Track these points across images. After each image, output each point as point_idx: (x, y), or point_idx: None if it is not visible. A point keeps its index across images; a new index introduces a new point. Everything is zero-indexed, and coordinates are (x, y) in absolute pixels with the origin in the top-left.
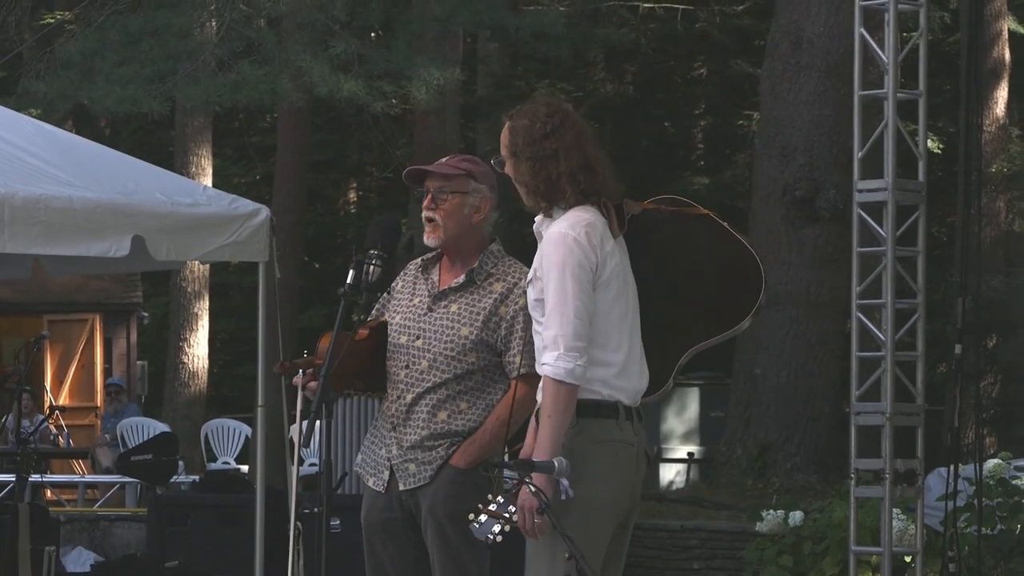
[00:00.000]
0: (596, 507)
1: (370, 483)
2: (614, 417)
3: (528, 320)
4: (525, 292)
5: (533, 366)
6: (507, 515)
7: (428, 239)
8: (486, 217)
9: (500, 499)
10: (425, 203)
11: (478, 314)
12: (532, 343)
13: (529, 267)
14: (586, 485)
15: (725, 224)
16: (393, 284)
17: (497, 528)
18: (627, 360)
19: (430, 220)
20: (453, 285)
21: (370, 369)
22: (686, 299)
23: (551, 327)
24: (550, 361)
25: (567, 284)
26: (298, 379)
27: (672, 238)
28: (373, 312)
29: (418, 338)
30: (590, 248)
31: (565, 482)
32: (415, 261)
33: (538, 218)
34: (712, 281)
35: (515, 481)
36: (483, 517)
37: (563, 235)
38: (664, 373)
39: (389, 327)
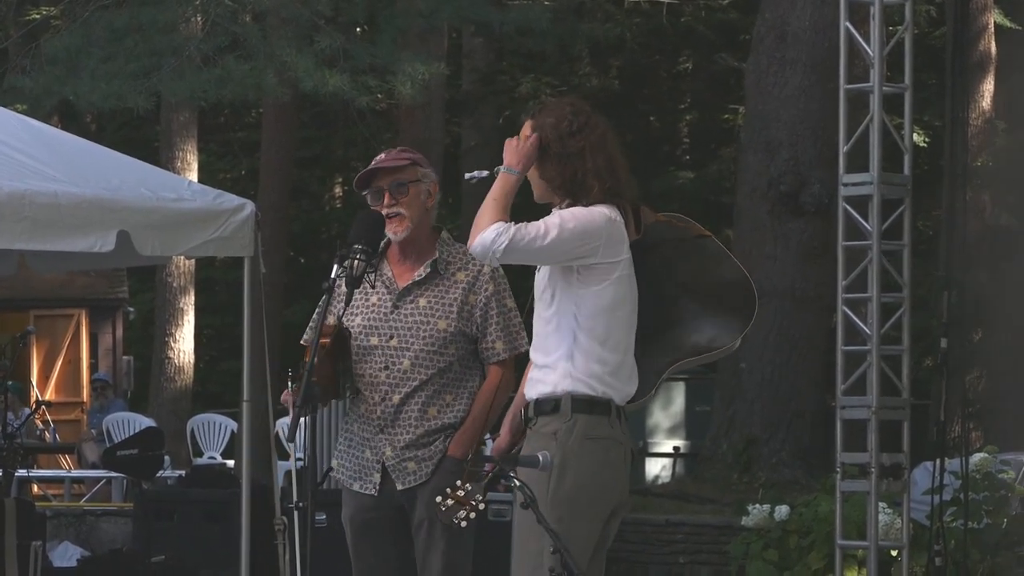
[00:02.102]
0: (585, 502)
1: (355, 487)
2: (607, 414)
3: (500, 305)
4: (491, 278)
5: (511, 351)
6: (474, 502)
7: (396, 233)
8: (435, 201)
9: (469, 486)
10: (385, 200)
11: (450, 305)
12: (508, 328)
13: None
14: (576, 480)
15: (723, 247)
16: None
17: (463, 514)
18: (622, 362)
19: (397, 214)
20: (417, 279)
21: (330, 375)
22: (678, 315)
23: (526, 225)
24: (496, 233)
25: (569, 226)
26: (287, 396)
27: (671, 253)
28: (315, 317)
29: (391, 338)
30: (611, 236)
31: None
32: None
33: (555, 210)
34: (705, 300)
35: (488, 470)
36: (450, 502)
37: (591, 210)
38: (646, 384)
39: (353, 330)
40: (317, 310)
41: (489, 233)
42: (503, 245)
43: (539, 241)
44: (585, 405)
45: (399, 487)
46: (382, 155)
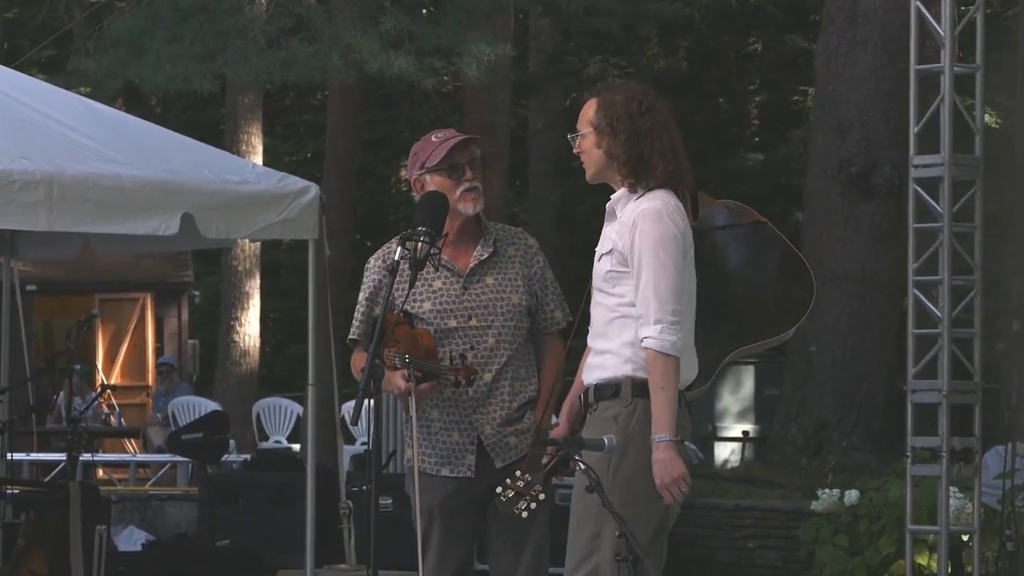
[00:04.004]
0: (644, 485)
1: (444, 472)
2: None
3: (551, 275)
4: (539, 250)
5: (566, 318)
6: (534, 492)
7: (475, 207)
8: None
9: (528, 476)
10: (468, 174)
11: (515, 279)
12: (561, 297)
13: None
14: (636, 463)
15: (780, 233)
16: (376, 278)
17: (523, 504)
18: (683, 347)
19: (474, 188)
20: (483, 258)
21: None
22: (734, 302)
23: (650, 301)
24: (654, 334)
25: (664, 259)
26: (405, 384)
27: (727, 239)
28: (360, 317)
29: (470, 318)
30: (682, 227)
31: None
32: (389, 251)
33: (616, 194)
34: (762, 287)
35: (550, 458)
36: (510, 492)
37: (659, 212)
38: (705, 373)
39: (424, 316)
40: (361, 298)
41: (660, 345)
42: (676, 338)
43: (670, 298)
44: (645, 389)
45: (499, 464)
46: (440, 133)
